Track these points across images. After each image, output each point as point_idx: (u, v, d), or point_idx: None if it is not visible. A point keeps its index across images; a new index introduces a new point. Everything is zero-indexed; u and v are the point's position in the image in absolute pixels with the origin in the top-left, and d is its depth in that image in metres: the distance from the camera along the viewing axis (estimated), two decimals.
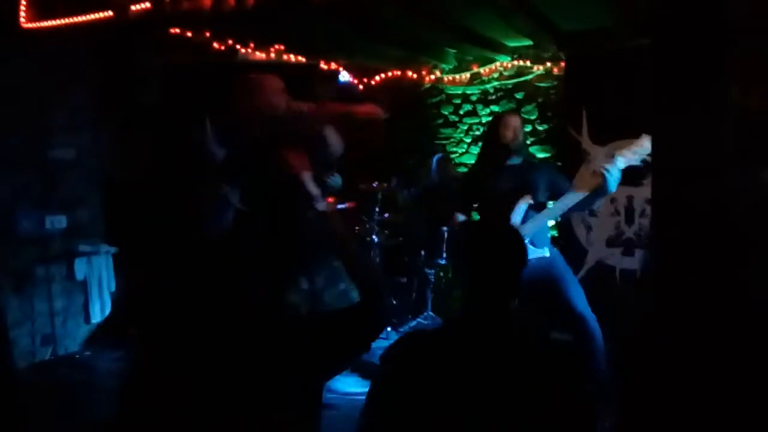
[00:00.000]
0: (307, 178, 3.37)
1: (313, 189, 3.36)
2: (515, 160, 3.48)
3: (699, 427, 1.71)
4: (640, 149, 3.20)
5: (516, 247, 1.65)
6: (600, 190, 3.18)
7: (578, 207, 3.33)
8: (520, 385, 1.40)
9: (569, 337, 3.12)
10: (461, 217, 3.47)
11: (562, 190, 3.33)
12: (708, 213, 1.75)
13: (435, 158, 5.45)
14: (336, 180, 3.64)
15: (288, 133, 3.44)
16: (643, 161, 3.31)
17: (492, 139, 3.52)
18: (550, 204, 3.42)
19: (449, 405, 1.40)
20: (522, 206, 3.27)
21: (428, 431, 1.40)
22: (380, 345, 5.06)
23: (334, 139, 3.49)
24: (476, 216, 3.72)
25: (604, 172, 3.13)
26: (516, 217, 3.25)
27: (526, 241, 3.20)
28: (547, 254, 3.27)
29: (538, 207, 3.34)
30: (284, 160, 3.35)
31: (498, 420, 1.38)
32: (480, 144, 4.33)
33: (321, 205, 3.28)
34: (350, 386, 3.67)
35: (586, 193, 3.22)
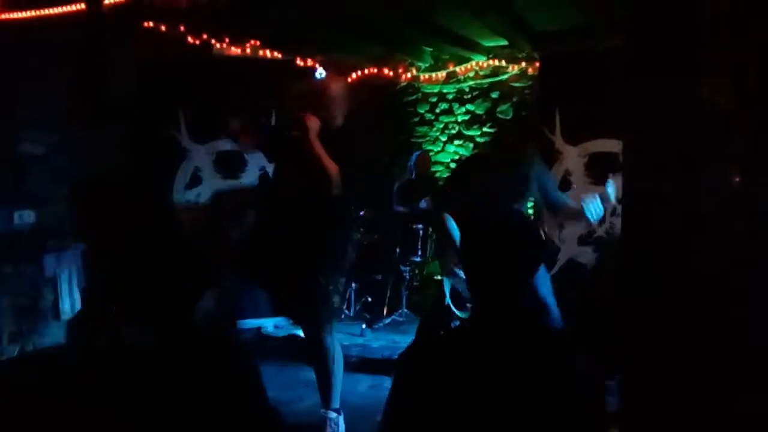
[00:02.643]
0: None
1: None
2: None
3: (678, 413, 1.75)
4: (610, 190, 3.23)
5: (528, 238, 1.58)
6: (575, 215, 3.23)
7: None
8: (538, 379, 1.40)
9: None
10: (452, 223, 3.41)
11: (549, 191, 3.35)
12: (678, 210, 1.79)
13: (414, 155, 5.47)
14: None
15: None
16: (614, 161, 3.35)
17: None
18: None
19: (469, 402, 1.40)
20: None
21: (449, 429, 1.41)
22: (355, 342, 5.05)
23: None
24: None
25: (583, 205, 3.14)
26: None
27: None
28: None
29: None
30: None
31: (518, 413, 1.38)
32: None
33: None
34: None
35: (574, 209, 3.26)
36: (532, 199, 3.43)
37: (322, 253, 3.06)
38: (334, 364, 3.09)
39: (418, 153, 5.55)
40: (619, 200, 4.47)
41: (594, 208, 3.13)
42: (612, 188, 3.18)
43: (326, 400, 3.12)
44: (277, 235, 3.14)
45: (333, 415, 3.13)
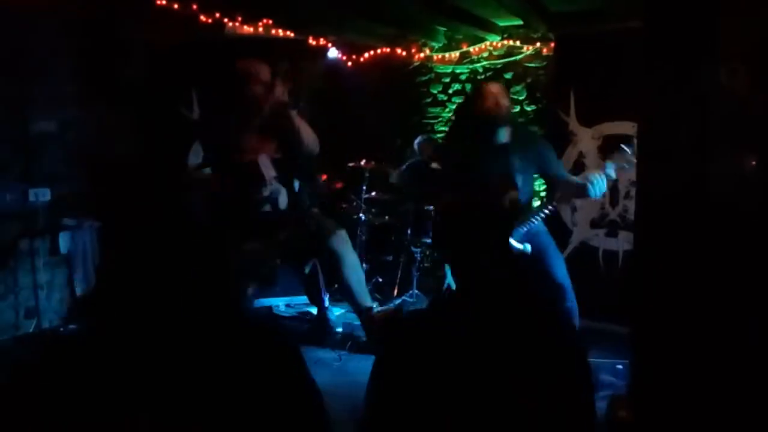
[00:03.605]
0: (263, 161, 3.44)
1: (268, 172, 3.43)
2: (501, 138, 3.31)
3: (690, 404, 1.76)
4: (623, 161, 3.19)
5: (498, 223, 1.61)
6: (581, 191, 3.20)
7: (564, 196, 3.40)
8: (522, 357, 1.39)
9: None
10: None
11: (551, 167, 3.34)
12: (692, 194, 1.78)
13: (416, 141, 5.45)
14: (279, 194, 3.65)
15: (267, 125, 3.51)
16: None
17: (472, 112, 3.35)
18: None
19: (452, 381, 1.40)
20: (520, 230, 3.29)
21: (432, 409, 1.40)
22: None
23: (307, 137, 3.53)
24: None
25: (587, 184, 3.13)
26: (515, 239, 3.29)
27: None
28: (529, 249, 3.28)
29: (528, 183, 3.35)
30: (244, 143, 3.44)
31: (502, 393, 1.38)
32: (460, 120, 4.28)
33: (269, 189, 3.37)
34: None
35: (576, 182, 3.27)
36: (536, 175, 3.42)
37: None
38: (345, 268, 3.55)
39: (418, 140, 5.50)
40: (632, 183, 4.45)
41: (598, 186, 3.12)
42: (611, 169, 3.16)
43: (356, 306, 3.63)
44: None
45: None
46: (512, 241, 3.21)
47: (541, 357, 1.40)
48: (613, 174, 3.17)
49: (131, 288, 1.52)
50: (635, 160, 3.16)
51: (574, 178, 3.34)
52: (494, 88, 3.31)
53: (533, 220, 3.27)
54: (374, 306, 3.49)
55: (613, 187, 4.68)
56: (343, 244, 3.52)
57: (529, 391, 1.38)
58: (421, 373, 1.43)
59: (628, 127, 4.47)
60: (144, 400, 1.22)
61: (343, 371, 3.57)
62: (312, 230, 3.54)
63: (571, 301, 3.28)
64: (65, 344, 1.47)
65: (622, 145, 3.19)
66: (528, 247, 3.28)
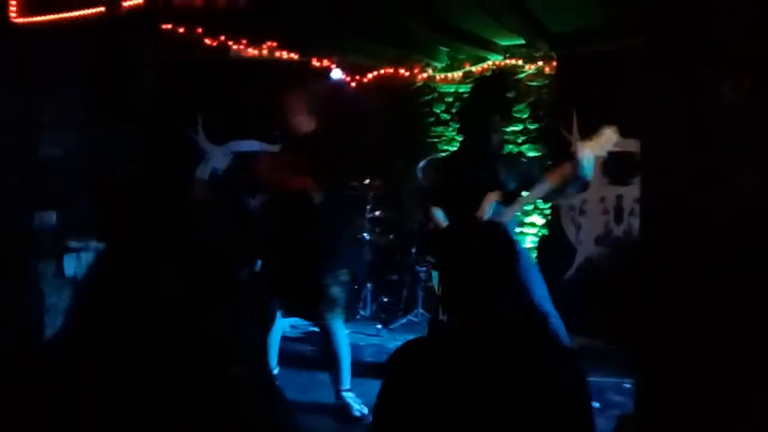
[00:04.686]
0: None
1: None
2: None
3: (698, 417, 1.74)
4: (602, 144, 3.24)
5: (503, 245, 1.60)
6: (572, 177, 3.19)
7: (552, 197, 3.38)
8: (523, 385, 1.40)
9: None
10: (439, 214, 3.47)
11: (534, 180, 3.35)
12: (697, 210, 1.78)
13: (419, 166, 5.47)
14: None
15: None
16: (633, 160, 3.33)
17: (470, 137, 3.49)
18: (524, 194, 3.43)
19: (455, 407, 1.41)
20: (491, 200, 3.29)
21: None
22: (371, 342, 5.05)
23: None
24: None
25: (577, 158, 3.14)
26: (484, 214, 3.28)
27: None
28: None
29: (510, 199, 3.34)
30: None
31: (504, 420, 1.39)
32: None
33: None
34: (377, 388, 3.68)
35: (555, 184, 3.23)
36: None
37: (315, 251, 3.28)
38: (337, 347, 3.29)
39: (422, 165, 5.53)
40: (636, 200, 4.44)
41: (588, 162, 3.13)
42: (588, 162, 3.15)
43: (337, 384, 3.31)
44: (276, 237, 3.42)
45: (349, 395, 3.26)
46: None
47: (539, 378, 1.41)
48: (588, 168, 3.15)
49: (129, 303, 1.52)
50: (615, 139, 3.20)
51: (552, 183, 3.26)
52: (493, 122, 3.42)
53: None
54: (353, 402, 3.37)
55: (618, 204, 4.68)
56: (337, 325, 3.42)
57: (528, 412, 1.38)
58: (424, 399, 1.44)
59: (631, 144, 4.47)
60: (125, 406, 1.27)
61: None
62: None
63: (555, 326, 3.23)
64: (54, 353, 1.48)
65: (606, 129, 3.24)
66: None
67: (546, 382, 1.42)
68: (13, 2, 4.20)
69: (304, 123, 3.48)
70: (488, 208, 3.28)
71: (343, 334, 3.36)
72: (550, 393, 1.41)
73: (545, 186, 3.24)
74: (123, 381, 1.30)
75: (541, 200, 3.74)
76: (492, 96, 3.76)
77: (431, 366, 1.48)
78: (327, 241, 3.33)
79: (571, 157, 3.19)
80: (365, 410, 3.16)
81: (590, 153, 3.19)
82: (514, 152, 3.75)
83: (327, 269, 3.28)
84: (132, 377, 1.31)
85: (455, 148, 5.99)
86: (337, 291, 3.31)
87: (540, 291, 3.27)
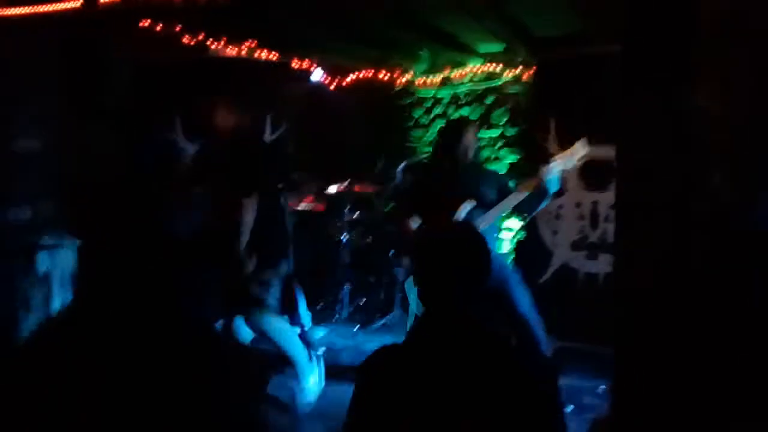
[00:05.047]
0: None
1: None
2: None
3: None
4: (574, 154, 3.40)
5: (476, 247, 1.62)
6: (541, 191, 3.33)
7: (523, 208, 3.45)
8: (494, 390, 1.41)
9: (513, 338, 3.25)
10: (415, 223, 3.54)
11: (507, 192, 3.44)
12: (671, 217, 1.81)
13: (400, 167, 5.49)
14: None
15: None
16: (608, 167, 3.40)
17: (444, 150, 3.59)
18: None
19: (425, 413, 1.41)
20: (466, 207, 3.37)
21: None
22: (348, 344, 5.04)
23: None
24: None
25: (542, 173, 3.28)
26: (459, 217, 3.36)
27: None
28: None
29: (486, 208, 3.42)
30: None
31: (473, 424, 1.39)
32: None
33: None
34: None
35: (526, 194, 3.36)
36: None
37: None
38: (278, 343, 3.48)
39: (402, 166, 5.55)
40: (612, 206, 4.51)
41: (553, 178, 3.27)
42: (554, 177, 3.29)
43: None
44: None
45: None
46: None
47: (510, 383, 1.42)
48: (556, 171, 3.31)
49: (108, 304, 1.53)
50: (574, 161, 3.29)
51: (521, 193, 3.39)
52: (470, 137, 3.54)
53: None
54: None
55: (593, 210, 4.74)
56: (270, 324, 3.55)
57: (498, 416, 1.40)
58: (394, 405, 1.45)
59: (609, 151, 4.52)
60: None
61: (324, 396, 3.53)
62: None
63: (538, 332, 3.30)
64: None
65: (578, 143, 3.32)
66: None
67: (518, 387, 1.43)
68: None
69: (229, 128, 3.56)
70: (463, 214, 3.35)
71: (277, 329, 3.50)
72: (521, 398, 1.42)
73: (515, 197, 3.37)
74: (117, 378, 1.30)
75: (515, 215, 3.87)
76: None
77: (402, 371, 1.48)
78: (248, 245, 3.47)
79: (539, 174, 3.30)
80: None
81: (558, 167, 3.31)
82: (490, 169, 3.95)
83: (249, 271, 3.44)
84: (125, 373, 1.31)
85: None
86: (259, 291, 3.47)
87: (524, 300, 3.33)
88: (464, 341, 1.49)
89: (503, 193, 3.43)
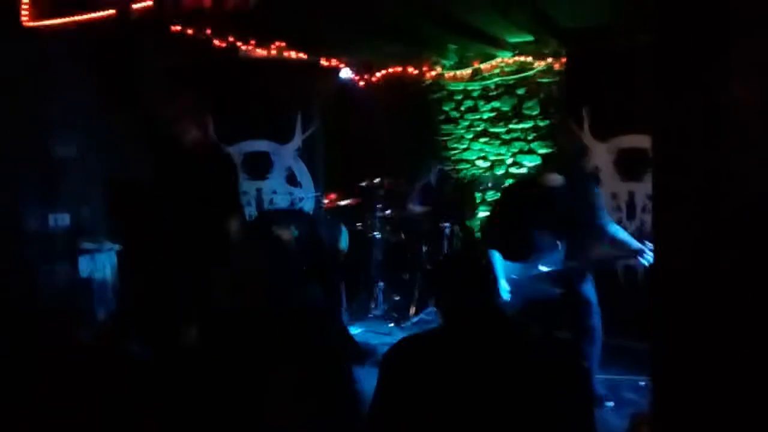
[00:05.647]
0: None
1: None
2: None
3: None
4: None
5: (484, 275, 1.67)
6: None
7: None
8: (516, 381, 1.42)
9: (567, 335, 3.20)
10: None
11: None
12: (709, 206, 1.76)
13: (435, 171, 5.50)
14: None
15: None
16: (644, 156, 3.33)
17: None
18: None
19: (448, 402, 1.42)
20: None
21: (428, 428, 1.43)
22: (383, 341, 5.06)
23: None
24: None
25: (640, 258, 3.15)
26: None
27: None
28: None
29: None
30: None
31: (495, 415, 1.40)
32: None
33: None
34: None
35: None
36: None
37: None
38: None
39: (437, 171, 5.54)
40: (649, 196, 4.42)
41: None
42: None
43: None
44: None
45: None
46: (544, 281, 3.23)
47: (533, 372, 1.43)
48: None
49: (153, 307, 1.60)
50: None
51: (630, 242, 3.24)
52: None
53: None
54: None
55: (630, 200, 4.66)
56: None
57: (521, 403, 1.40)
58: (418, 393, 1.47)
59: (643, 141, 4.45)
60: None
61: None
62: None
63: (595, 317, 3.27)
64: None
65: None
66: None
67: (541, 377, 1.42)
68: (25, 6, 4.23)
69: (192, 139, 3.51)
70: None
71: None
72: (545, 387, 1.42)
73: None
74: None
75: None
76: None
77: (426, 361, 1.50)
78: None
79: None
80: None
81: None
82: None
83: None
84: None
85: (464, 146, 6.02)
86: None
87: (588, 287, 3.34)
88: (490, 333, 1.50)
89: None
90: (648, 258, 3.09)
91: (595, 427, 1.51)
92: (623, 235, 3.30)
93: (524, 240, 3.26)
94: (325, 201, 5.71)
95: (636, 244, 3.19)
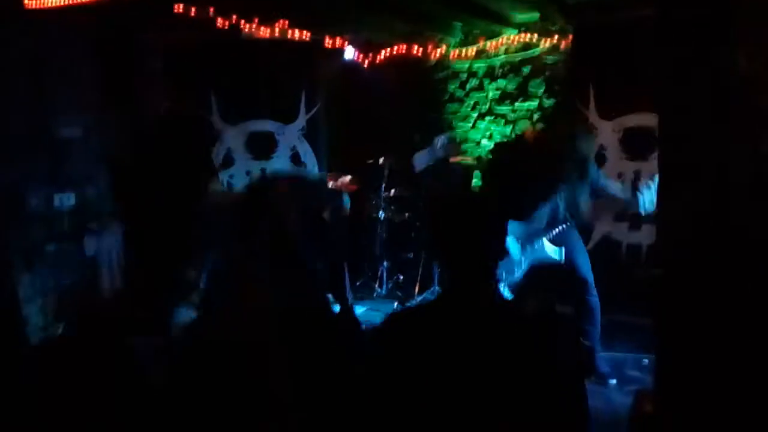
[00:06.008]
0: None
1: None
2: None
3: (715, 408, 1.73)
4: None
5: (485, 215, 1.56)
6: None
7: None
8: (509, 355, 1.39)
9: (569, 309, 3.24)
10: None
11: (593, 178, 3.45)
12: (714, 184, 1.75)
13: (440, 139, 5.42)
14: None
15: None
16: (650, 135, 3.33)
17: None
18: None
19: (440, 378, 1.40)
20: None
21: (421, 406, 1.41)
22: None
23: None
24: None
25: (638, 194, 3.27)
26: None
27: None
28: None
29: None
30: None
31: (489, 391, 1.38)
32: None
33: None
34: None
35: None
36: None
37: None
38: None
39: (445, 138, 5.46)
40: (654, 174, 4.40)
41: (648, 198, 3.15)
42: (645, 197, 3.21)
43: None
44: None
45: None
46: (546, 246, 3.31)
47: (530, 366, 1.39)
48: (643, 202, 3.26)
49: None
50: None
51: (619, 194, 3.45)
52: None
53: (563, 226, 3.42)
54: None
55: (635, 180, 4.63)
56: None
57: (512, 385, 1.38)
58: (409, 371, 1.44)
59: (649, 119, 4.41)
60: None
61: None
62: None
63: (594, 296, 3.32)
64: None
65: None
66: (557, 253, 3.35)
67: (533, 356, 1.40)
68: None
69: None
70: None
71: None
72: (536, 367, 1.39)
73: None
74: None
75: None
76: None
77: (417, 337, 1.47)
78: None
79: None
80: None
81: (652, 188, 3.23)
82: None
83: None
84: None
85: (469, 125, 5.99)
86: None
87: (584, 265, 3.36)
88: (482, 309, 1.47)
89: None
90: (644, 198, 3.15)
91: (588, 417, 1.49)
92: (614, 188, 3.49)
93: (524, 196, 3.34)
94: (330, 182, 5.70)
95: (627, 194, 3.30)
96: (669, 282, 1.88)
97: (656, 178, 3.13)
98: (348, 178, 4.94)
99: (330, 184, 4.99)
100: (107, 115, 4.59)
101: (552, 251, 3.36)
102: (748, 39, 1.65)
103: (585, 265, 3.41)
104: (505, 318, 1.46)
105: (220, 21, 5.07)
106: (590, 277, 3.38)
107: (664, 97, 1.84)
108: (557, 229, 3.44)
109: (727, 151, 1.70)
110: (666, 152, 1.89)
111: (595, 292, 3.35)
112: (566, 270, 3.34)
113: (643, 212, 3.25)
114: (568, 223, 3.46)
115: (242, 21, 5.17)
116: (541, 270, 3.32)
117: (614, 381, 3.35)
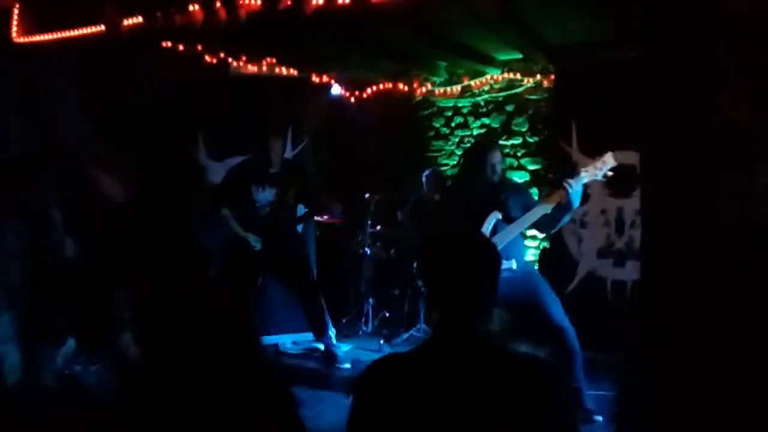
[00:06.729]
0: None
1: None
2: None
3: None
4: (603, 165, 3.33)
5: (485, 255, 1.52)
6: (565, 205, 3.26)
7: (548, 221, 3.37)
8: (498, 404, 1.36)
9: (545, 352, 3.21)
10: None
11: (532, 206, 3.40)
12: (697, 222, 1.77)
13: (426, 173, 5.46)
14: None
15: None
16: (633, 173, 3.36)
17: (474, 168, 3.57)
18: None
19: (425, 426, 1.36)
20: (491, 219, 3.37)
21: None
22: (373, 358, 5.02)
23: None
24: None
25: (567, 186, 3.21)
26: (486, 228, 3.34)
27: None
28: (514, 266, 3.30)
29: (511, 222, 3.40)
30: None
31: None
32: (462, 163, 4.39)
33: None
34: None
35: (551, 206, 3.29)
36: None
37: None
38: None
39: (428, 172, 5.51)
40: (637, 212, 4.45)
41: (576, 190, 3.19)
42: (577, 189, 3.24)
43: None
44: None
45: None
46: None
47: (519, 414, 1.36)
48: (583, 181, 3.26)
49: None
50: (605, 171, 3.23)
51: (546, 205, 3.35)
52: (496, 156, 3.51)
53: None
54: None
55: (619, 216, 4.68)
56: None
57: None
58: (392, 417, 1.39)
59: (631, 157, 4.47)
60: None
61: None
62: None
63: (572, 341, 3.27)
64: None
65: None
66: (514, 264, 3.30)
67: (524, 401, 1.36)
68: (15, 22, 4.23)
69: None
70: (489, 225, 3.34)
71: None
72: (527, 412, 1.36)
73: (539, 210, 3.33)
74: None
75: (540, 230, 3.80)
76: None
77: (403, 382, 1.42)
78: None
79: (563, 186, 3.25)
80: None
81: (584, 179, 3.25)
82: (516, 183, 3.91)
83: None
84: None
85: (454, 162, 6.04)
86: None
87: (557, 308, 3.31)
88: (471, 354, 1.43)
89: (528, 207, 3.40)
90: (571, 182, 3.19)
91: None
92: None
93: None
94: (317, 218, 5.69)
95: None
96: (653, 321, 1.89)
97: (582, 174, 3.23)
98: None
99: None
100: (93, 149, 4.58)
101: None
102: (732, 84, 1.69)
103: (556, 309, 3.33)
104: (499, 365, 1.42)
105: (207, 58, 5.12)
106: (565, 321, 3.30)
107: (648, 138, 1.88)
108: (504, 267, 3.22)
109: (710, 192, 1.72)
110: (649, 192, 1.92)
111: (573, 336, 3.27)
112: (535, 313, 3.31)
113: (575, 206, 3.25)
114: (523, 262, 3.43)
115: (229, 58, 5.23)
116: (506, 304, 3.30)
117: (600, 418, 3.33)
